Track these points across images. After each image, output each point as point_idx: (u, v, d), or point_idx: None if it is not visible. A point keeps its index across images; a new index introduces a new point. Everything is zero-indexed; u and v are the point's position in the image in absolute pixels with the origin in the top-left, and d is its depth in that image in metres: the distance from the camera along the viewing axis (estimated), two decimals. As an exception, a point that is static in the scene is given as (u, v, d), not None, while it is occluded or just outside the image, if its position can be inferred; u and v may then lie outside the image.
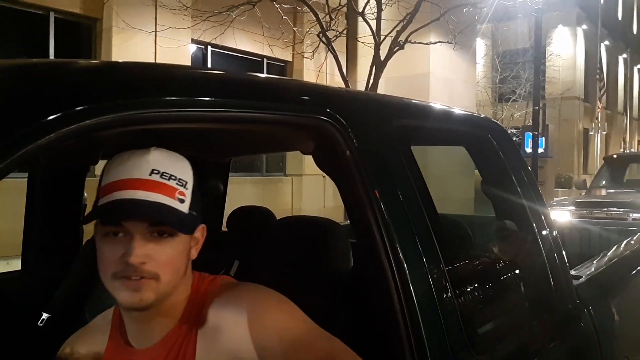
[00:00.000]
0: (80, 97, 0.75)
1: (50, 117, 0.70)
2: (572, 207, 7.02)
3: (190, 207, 0.89)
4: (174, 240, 0.86)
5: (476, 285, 1.39)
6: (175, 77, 0.90)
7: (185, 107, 0.87)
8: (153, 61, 8.27)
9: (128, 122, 0.81)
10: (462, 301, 1.23)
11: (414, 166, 1.18)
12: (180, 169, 0.89)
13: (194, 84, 0.90)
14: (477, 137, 1.60)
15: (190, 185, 0.89)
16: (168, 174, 0.86)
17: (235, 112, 0.90)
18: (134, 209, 0.83)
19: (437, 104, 1.53)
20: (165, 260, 0.85)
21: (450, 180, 8.37)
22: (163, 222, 0.84)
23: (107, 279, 0.85)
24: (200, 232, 0.94)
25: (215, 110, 0.89)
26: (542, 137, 12.73)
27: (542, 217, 1.65)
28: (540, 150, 12.50)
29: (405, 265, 1.03)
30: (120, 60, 0.98)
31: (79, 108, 0.74)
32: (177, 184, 0.87)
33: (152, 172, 0.85)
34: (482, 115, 1.75)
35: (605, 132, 23.74)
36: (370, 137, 1.10)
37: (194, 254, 0.93)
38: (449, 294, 1.11)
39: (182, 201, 0.87)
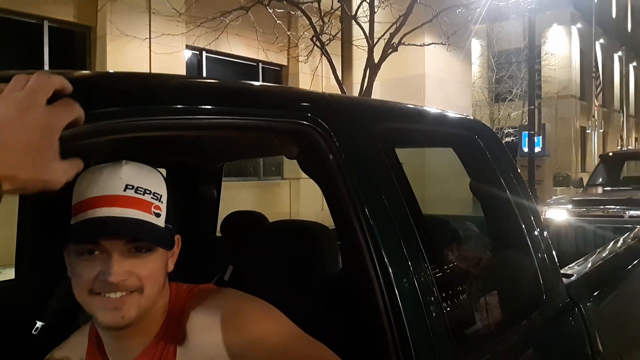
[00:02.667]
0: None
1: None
2: (569, 206, 7.06)
3: (166, 221, 0.88)
4: (153, 255, 0.86)
5: (463, 284, 1.40)
6: (158, 86, 0.91)
7: (169, 115, 0.87)
8: (148, 67, 8.29)
9: (112, 131, 0.82)
10: (448, 301, 1.24)
11: (398, 168, 1.19)
12: (154, 182, 0.88)
13: (176, 93, 0.90)
14: (463, 138, 1.61)
15: (164, 199, 0.88)
16: (142, 188, 0.85)
17: (216, 119, 0.91)
18: (112, 227, 0.81)
19: (422, 106, 1.54)
20: (148, 274, 0.85)
21: (448, 181, 8.38)
22: (142, 239, 0.83)
23: (83, 297, 0.83)
24: (175, 244, 0.93)
25: (197, 117, 0.89)
26: (539, 136, 12.77)
27: (531, 216, 1.66)
28: (538, 149, 12.53)
29: (389, 267, 1.04)
30: (109, 70, 0.99)
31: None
32: (152, 198, 0.86)
33: (126, 187, 0.84)
34: (469, 116, 1.76)
35: (602, 130, 23.80)
36: (353, 141, 1.11)
37: (171, 266, 0.92)
38: (435, 295, 1.12)
39: (158, 215, 0.86)
